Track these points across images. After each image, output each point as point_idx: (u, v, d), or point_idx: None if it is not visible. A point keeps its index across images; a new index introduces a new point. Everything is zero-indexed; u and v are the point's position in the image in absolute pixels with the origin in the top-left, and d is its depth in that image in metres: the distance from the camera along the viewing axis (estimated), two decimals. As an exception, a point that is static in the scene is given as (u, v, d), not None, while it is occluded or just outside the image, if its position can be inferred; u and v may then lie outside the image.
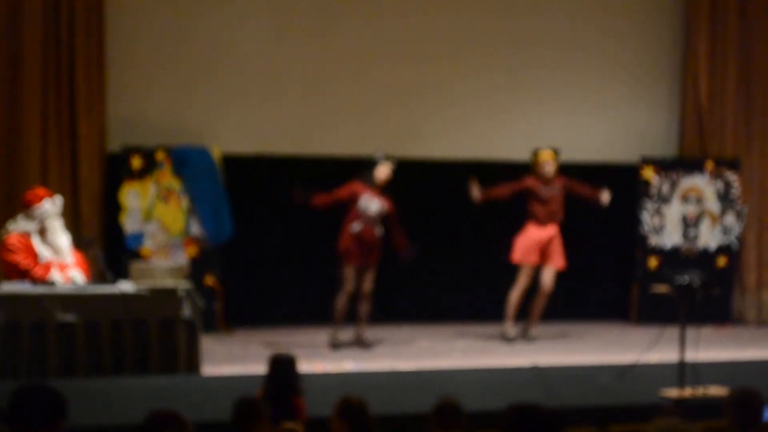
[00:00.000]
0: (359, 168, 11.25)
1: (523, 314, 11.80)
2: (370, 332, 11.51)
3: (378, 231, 11.12)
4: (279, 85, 12.68)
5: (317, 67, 12.79)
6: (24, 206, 9.82)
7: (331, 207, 11.08)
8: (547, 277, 11.67)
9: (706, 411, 7.49)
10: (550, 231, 11.61)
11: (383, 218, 11.14)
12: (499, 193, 11.58)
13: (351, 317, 11.32)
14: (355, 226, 11.02)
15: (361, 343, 11.29)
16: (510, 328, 11.68)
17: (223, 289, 12.20)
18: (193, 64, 12.45)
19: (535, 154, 11.76)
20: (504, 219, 12.24)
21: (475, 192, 11.42)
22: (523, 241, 11.62)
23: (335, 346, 11.10)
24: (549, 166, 11.65)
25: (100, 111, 12.10)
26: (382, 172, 11.14)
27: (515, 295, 11.64)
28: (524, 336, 11.77)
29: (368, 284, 11.22)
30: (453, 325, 12.73)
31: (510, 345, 11.46)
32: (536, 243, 11.59)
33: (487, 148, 13.24)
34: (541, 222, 11.60)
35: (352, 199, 11.06)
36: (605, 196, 11.69)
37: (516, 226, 11.70)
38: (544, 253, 11.62)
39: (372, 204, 11.06)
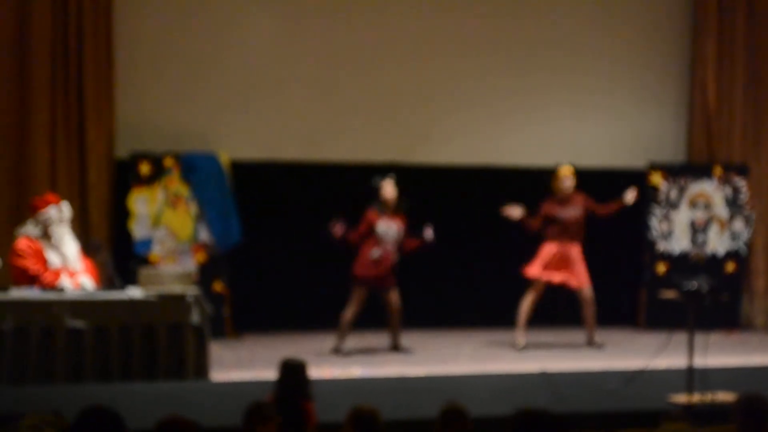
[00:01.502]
0: (369, 197, 11.22)
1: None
2: (378, 337, 11.56)
3: (395, 256, 11.18)
4: (287, 91, 12.70)
5: (325, 72, 12.81)
6: (32, 212, 9.86)
7: (358, 242, 11.10)
8: (585, 294, 11.68)
9: (714, 417, 7.47)
10: (567, 249, 11.58)
11: (401, 241, 11.20)
12: (532, 225, 11.60)
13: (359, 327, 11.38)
14: (375, 252, 11.06)
15: (399, 350, 11.37)
16: (520, 337, 11.67)
17: (231, 295, 12.21)
18: (201, 70, 12.47)
19: (555, 171, 11.71)
20: (515, 224, 12.25)
21: (514, 212, 11.46)
22: (539, 258, 11.60)
23: (337, 351, 11.17)
24: (568, 182, 11.63)
25: (108, 117, 12.13)
26: (388, 191, 11.14)
27: (525, 304, 11.64)
28: (591, 345, 11.78)
29: (394, 303, 11.26)
30: (460, 331, 12.74)
31: (520, 353, 11.44)
32: (552, 260, 11.57)
33: (495, 153, 13.24)
34: (556, 240, 11.57)
35: (370, 227, 11.08)
36: (630, 195, 11.68)
37: (527, 232, 11.67)
38: (564, 272, 11.58)
39: (390, 230, 11.10)
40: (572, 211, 11.61)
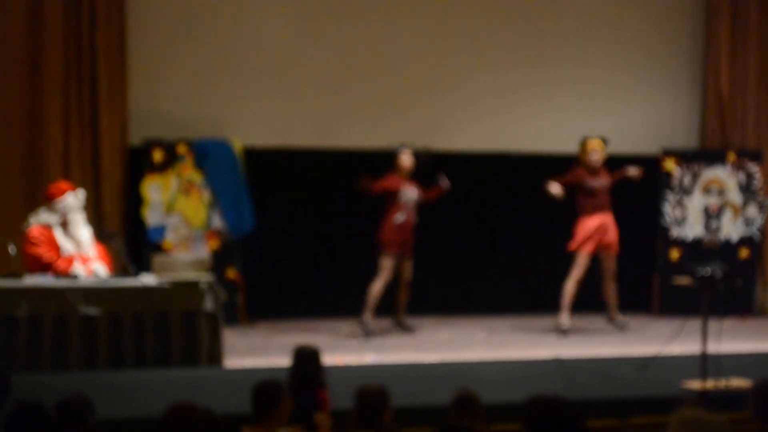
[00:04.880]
0: (389, 161, 11.42)
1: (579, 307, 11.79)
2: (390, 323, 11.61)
3: (415, 219, 11.45)
4: (300, 78, 12.69)
5: (338, 59, 12.80)
6: (47, 199, 9.88)
7: (378, 195, 11.30)
8: (607, 263, 11.71)
9: (728, 403, 7.46)
10: (603, 219, 11.60)
11: (419, 205, 11.46)
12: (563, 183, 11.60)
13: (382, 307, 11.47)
14: (399, 217, 11.34)
15: (402, 327, 11.62)
16: (565, 319, 11.63)
17: (244, 282, 12.22)
18: (213, 56, 12.47)
19: (583, 142, 11.73)
20: (528, 210, 12.27)
21: (555, 189, 11.41)
22: (580, 231, 11.60)
23: (368, 334, 11.21)
24: (597, 155, 11.64)
25: (121, 104, 12.14)
26: (405, 161, 11.39)
27: (570, 285, 11.61)
28: (612, 324, 11.79)
29: (407, 273, 11.56)
30: (474, 317, 12.73)
31: (564, 337, 11.42)
32: (593, 232, 11.57)
33: (508, 141, 13.23)
34: (591, 213, 11.57)
35: (395, 191, 11.32)
36: (633, 171, 11.75)
37: (540, 218, 11.65)
38: (600, 240, 11.60)
39: (411, 194, 11.40)
40: (603, 181, 11.65)
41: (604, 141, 11.77)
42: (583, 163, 11.69)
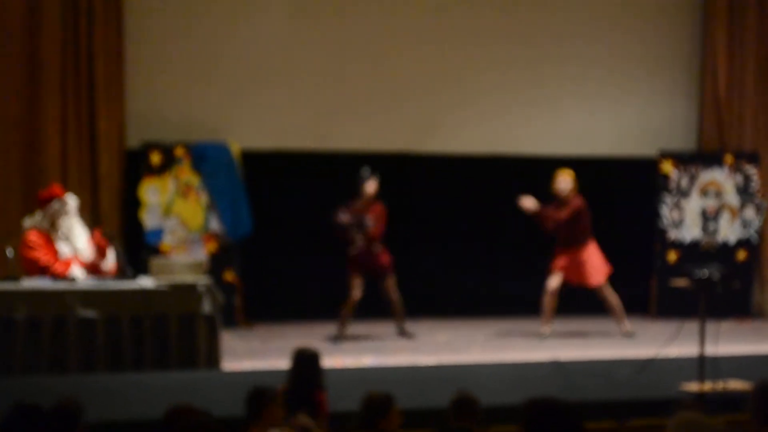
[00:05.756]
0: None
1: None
2: (389, 326, 11.59)
3: (376, 246, 11.32)
4: (297, 81, 12.69)
5: (335, 62, 12.80)
6: (39, 204, 9.88)
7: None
8: (605, 293, 11.65)
9: (726, 405, 7.47)
10: (573, 253, 11.53)
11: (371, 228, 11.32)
12: (544, 219, 11.51)
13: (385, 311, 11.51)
14: (352, 250, 11.30)
15: (403, 335, 11.54)
16: (543, 328, 11.60)
17: (242, 285, 12.23)
18: (211, 59, 12.47)
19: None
20: (522, 213, 12.22)
21: (529, 203, 11.38)
22: (555, 258, 11.56)
23: (337, 339, 11.24)
24: (562, 184, 11.48)
25: (118, 107, 12.14)
26: (370, 186, 11.30)
27: (545, 299, 11.57)
28: (623, 334, 11.73)
29: (392, 293, 11.43)
30: (472, 320, 12.73)
31: (539, 341, 11.39)
32: (565, 263, 11.52)
33: (506, 142, 13.23)
34: (561, 245, 11.53)
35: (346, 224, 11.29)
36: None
37: (538, 220, 11.65)
38: (579, 273, 11.53)
39: (359, 223, 11.27)
40: (562, 214, 11.47)
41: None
42: (554, 193, 11.58)
